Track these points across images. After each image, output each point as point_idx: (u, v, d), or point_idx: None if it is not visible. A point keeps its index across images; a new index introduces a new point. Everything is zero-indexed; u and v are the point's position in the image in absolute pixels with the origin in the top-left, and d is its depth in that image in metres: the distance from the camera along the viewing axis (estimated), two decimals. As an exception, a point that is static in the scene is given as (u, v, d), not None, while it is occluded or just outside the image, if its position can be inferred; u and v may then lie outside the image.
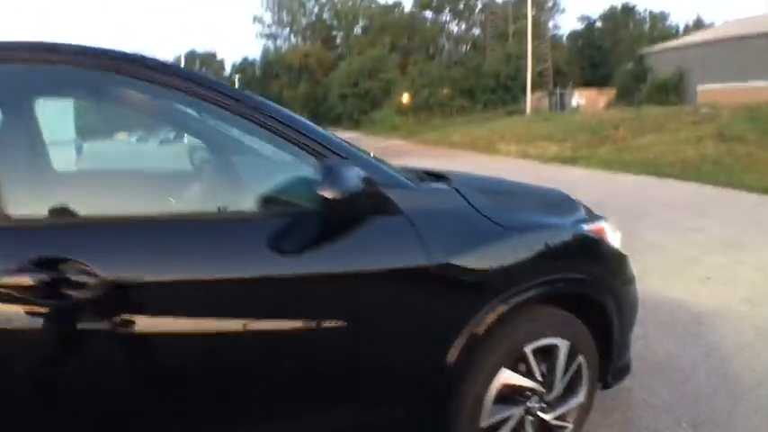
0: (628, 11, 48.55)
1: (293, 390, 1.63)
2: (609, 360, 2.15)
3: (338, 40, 48.13)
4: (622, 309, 2.14)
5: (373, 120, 30.54)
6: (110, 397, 1.47)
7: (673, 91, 26.49)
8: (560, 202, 2.35)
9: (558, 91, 34.87)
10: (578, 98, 32.20)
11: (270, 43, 53.33)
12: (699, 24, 46.68)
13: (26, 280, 1.35)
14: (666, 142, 13.83)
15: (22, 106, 1.72)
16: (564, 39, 48.84)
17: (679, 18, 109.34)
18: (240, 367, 1.56)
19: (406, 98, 31.31)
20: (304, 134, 1.63)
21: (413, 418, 1.77)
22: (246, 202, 1.67)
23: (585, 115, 22.33)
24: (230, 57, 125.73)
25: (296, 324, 1.58)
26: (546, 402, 1.94)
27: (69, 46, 1.59)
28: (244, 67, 52.90)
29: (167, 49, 66.45)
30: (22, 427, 1.44)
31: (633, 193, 8.97)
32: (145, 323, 1.45)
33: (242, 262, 1.52)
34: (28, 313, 1.36)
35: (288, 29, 52.15)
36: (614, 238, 2.25)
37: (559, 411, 1.98)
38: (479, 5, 45.47)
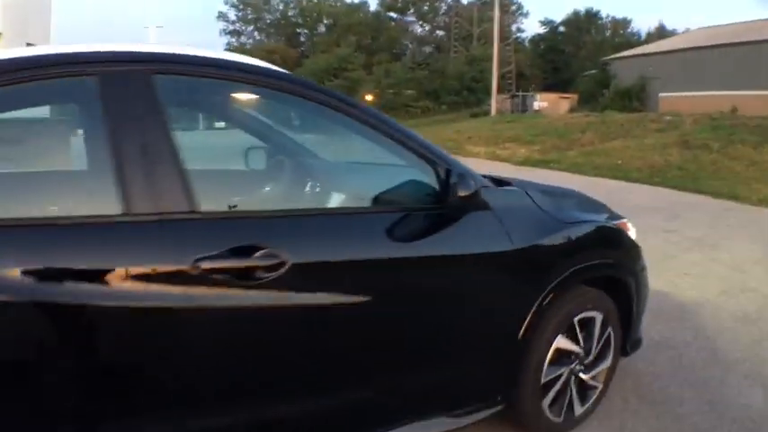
0: (591, 16, 49.44)
1: (420, 347, 2.02)
2: (628, 332, 2.62)
3: (302, 38, 47.62)
4: (640, 289, 2.64)
5: (340, 120, 30.29)
6: (292, 361, 1.78)
7: (636, 98, 27.19)
8: (592, 203, 2.78)
9: (520, 94, 35.20)
10: (540, 101, 32.67)
11: (234, 40, 52.40)
12: (662, 31, 47.81)
13: (224, 264, 1.57)
14: (633, 148, 14.06)
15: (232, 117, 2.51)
16: (526, 42, 49.40)
17: (641, 24, 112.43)
18: (382, 330, 1.92)
19: (369, 98, 31.19)
20: (422, 146, 2.00)
21: (493, 374, 2.19)
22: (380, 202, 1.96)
23: (551, 118, 22.56)
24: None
25: (421, 295, 1.98)
26: (584, 365, 2.40)
27: (260, 68, 1.94)
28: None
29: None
30: (227, 391, 1.69)
31: (607, 196, 8.90)
32: (319, 298, 1.75)
33: (385, 247, 1.86)
34: (226, 295, 1.60)
35: (252, 26, 51.37)
36: (633, 232, 2.73)
37: (594, 372, 2.44)
38: (443, 8, 45.69)
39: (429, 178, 1.97)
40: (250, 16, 50.34)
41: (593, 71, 33.98)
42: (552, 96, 34.07)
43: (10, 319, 1.43)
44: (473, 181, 1.95)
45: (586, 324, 2.36)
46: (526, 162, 14.52)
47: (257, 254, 1.61)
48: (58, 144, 2.07)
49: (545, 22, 50.51)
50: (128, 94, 1.60)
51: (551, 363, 2.24)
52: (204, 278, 1.55)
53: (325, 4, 45.02)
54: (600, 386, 2.49)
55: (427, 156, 1.98)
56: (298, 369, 1.80)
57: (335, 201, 2.45)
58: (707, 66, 24.88)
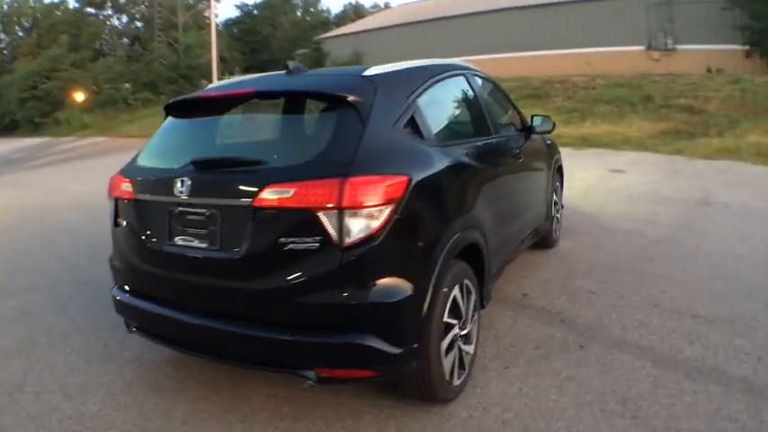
0: (284, -3, 53.75)
1: (527, 206, 4.13)
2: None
3: (1, 45, 43.80)
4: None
5: (59, 121, 30.02)
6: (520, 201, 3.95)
7: None
8: None
9: (227, 77, 38.29)
10: None
11: None
12: (357, 7, 52.27)
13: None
14: None
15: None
16: (221, 27, 50.90)
17: (331, 3, 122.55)
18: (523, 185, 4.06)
19: (81, 97, 31.39)
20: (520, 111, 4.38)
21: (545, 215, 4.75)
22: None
23: None
24: None
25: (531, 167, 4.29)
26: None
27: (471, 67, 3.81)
28: None
29: None
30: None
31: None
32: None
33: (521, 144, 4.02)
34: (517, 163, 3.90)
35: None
36: None
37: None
38: (142, -2, 45.54)
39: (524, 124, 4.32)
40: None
41: (305, 50, 36.51)
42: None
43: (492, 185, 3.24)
44: (533, 126, 4.25)
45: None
46: None
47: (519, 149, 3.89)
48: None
49: (240, 6, 51.87)
50: (474, 83, 3.61)
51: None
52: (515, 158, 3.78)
53: (25, 6, 42.10)
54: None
55: (523, 115, 4.35)
56: (520, 206, 3.91)
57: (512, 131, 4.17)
58: (418, 40, 28.28)
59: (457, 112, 3.49)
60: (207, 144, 2.92)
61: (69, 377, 3.08)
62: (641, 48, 22.88)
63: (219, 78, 37.09)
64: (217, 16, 39.12)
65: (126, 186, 2.75)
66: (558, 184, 5.18)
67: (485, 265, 2.94)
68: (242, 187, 2.30)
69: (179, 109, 3.00)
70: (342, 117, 2.38)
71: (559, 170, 5.24)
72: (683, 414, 2.53)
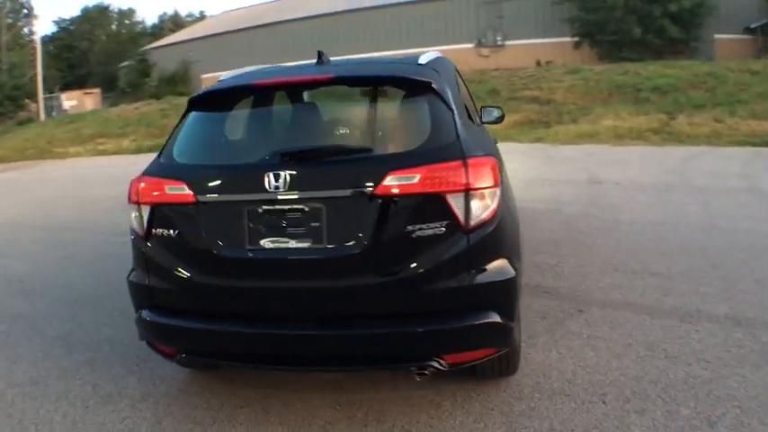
0: (102, 10, 51.02)
1: None
2: None
3: None
4: None
5: None
6: None
7: (181, 82, 29.88)
8: None
9: (51, 95, 35.49)
10: (68, 100, 33.40)
11: None
12: (176, 17, 51.80)
13: None
14: None
15: None
16: (38, 44, 47.93)
17: (146, 14, 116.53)
18: None
19: None
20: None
21: None
22: None
23: (107, 114, 23.62)
24: None
25: None
26: None
27: None
28: None
29: None
30: None
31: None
32: None
33: None
34: None
35: None
36: None
37: None
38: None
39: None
40: None
41: (130, 62, 35.07)
42: (77, 93, 35.14)
43: None
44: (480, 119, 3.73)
45: None
46: (142, 149, 15.74)
47: None
48: None
49: (58, 21, 49.33)
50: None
51: None
52: None
53: None
54: None
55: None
56: None
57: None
58: (244, 45, 28.40)
59: (467, 100, 3.60)
60: (287, 134, 2.73)
61: None
62: (471, 45, 24.76)
63: (48, 95, 34.01)
64: (33, 33, 36.04)
65: (175, 189, 2.40)
66: None
67: None
68: (359, 176, 2.20)
69: (220, 99, 2.72)
70: (432, 102, 2.40)
71: None
72: (699, 348, 2.97)
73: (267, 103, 2.91)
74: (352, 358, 2.37)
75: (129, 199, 2.55)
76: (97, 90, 36.10)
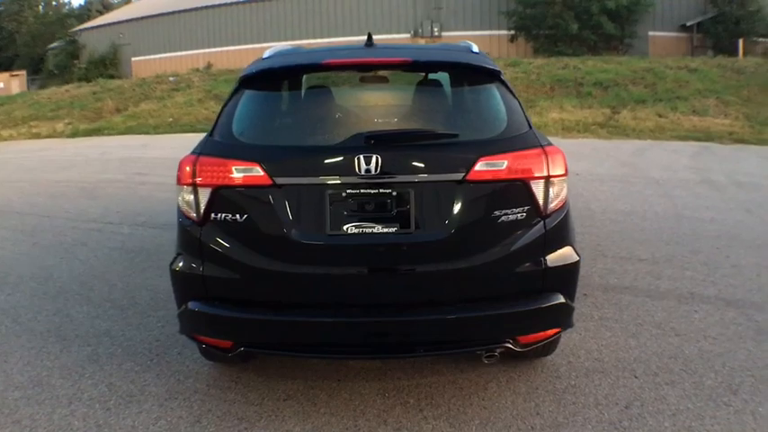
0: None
1: None
2: None
3: None
4: None
5: None
6: None
7: (111, 65, 28.92)
8: None
9: None
10: None
11: None
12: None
13: None
14: (169, 107, 16.62)
15: None
16: None
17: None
18: None
19: None
20: None
21: None
22: None
23: (40, 96, 21.86)
24: None
25: None
26: None
27: None
28: None
29: None
30: None
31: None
32: None
33: None
34: None
35: None
36: None
37: None
38: None
39: None
40: None
41: (59, 43, 33.72)
42: (4, 76, 33.49)
43: None
44: None
45: None
46: (77, 133, 15.26)
47: None
48: None
49: None
50: None
51: None
52: None
53: None
54: None
55: None
56: None
57: None
58: (177, 28, 27.98)
59: None
60: (366, 117, 2.70)
61: None
62: (407, 36, 24.99)
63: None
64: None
65: (246, 170, 2.26)
66: None
67: None
68: (450, 161, 2.25)
69: (282, 77, 2.68)
70: (502, 92, 2.51)
71: None
72: (703, 326, 3.28)
73: (333, 84, 2.88)
74: (437, 343, 2.39)
75: (180, 181, 2.37)
76: (23, 72, 34.17)
